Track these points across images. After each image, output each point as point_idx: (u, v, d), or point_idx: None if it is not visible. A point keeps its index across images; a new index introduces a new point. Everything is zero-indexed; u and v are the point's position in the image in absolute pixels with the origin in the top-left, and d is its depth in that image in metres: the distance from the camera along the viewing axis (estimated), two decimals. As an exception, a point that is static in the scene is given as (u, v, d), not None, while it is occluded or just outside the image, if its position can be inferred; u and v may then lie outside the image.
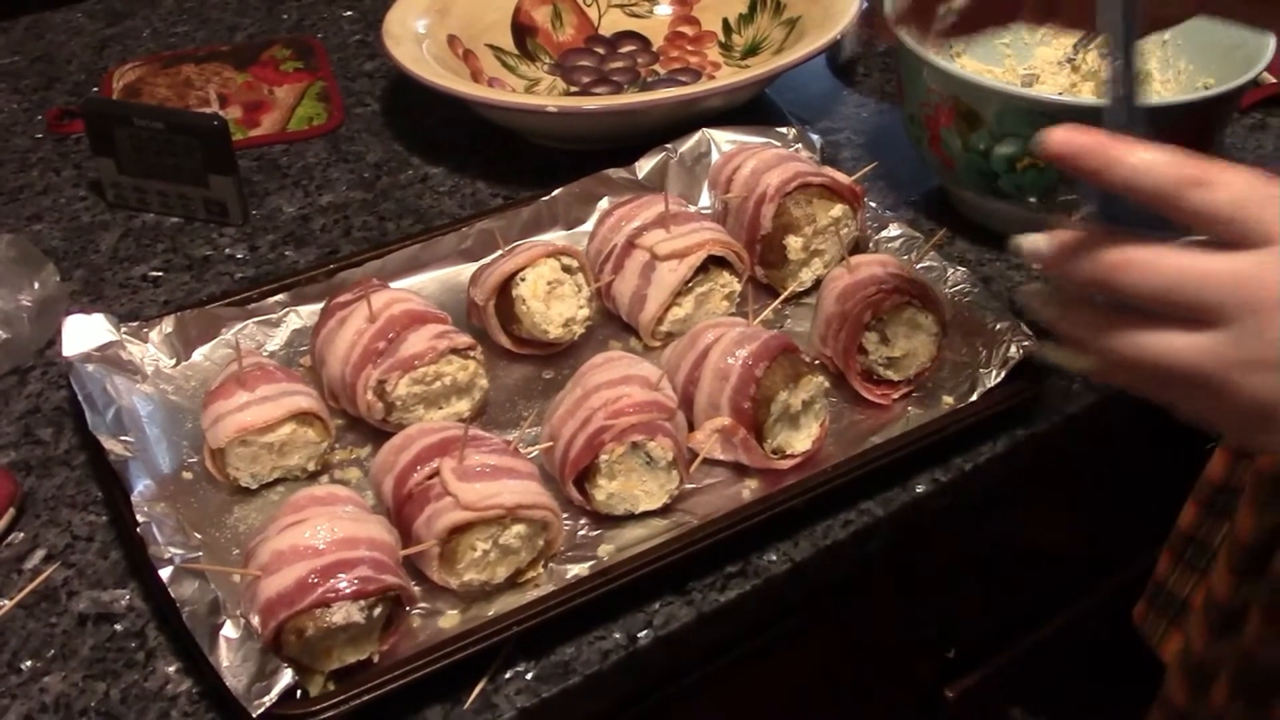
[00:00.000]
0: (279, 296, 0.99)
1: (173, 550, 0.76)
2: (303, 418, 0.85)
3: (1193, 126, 1.00)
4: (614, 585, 0.77)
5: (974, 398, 0.91)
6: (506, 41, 1.33)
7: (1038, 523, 1.14)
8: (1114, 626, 1.03)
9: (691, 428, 0.88)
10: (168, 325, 0.95)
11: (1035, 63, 1.20)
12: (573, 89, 1.31)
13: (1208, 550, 0.91)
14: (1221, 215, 0.52)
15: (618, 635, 0.78)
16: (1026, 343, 0.92)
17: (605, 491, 0.82)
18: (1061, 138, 0.55)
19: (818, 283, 1.01)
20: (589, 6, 1.39)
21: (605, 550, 0.82)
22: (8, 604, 0.79)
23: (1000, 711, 1.27)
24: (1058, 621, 1.26)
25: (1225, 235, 0.53)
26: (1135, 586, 1.00)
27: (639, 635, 0.78)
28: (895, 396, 0.93)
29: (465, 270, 1.02)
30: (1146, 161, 0.54)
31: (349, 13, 1.47)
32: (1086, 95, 1.16)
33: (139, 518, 0.78)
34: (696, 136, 1.12)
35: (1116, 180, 0.55)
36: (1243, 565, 0.80)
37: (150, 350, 0.94)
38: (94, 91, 1.33)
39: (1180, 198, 0.53)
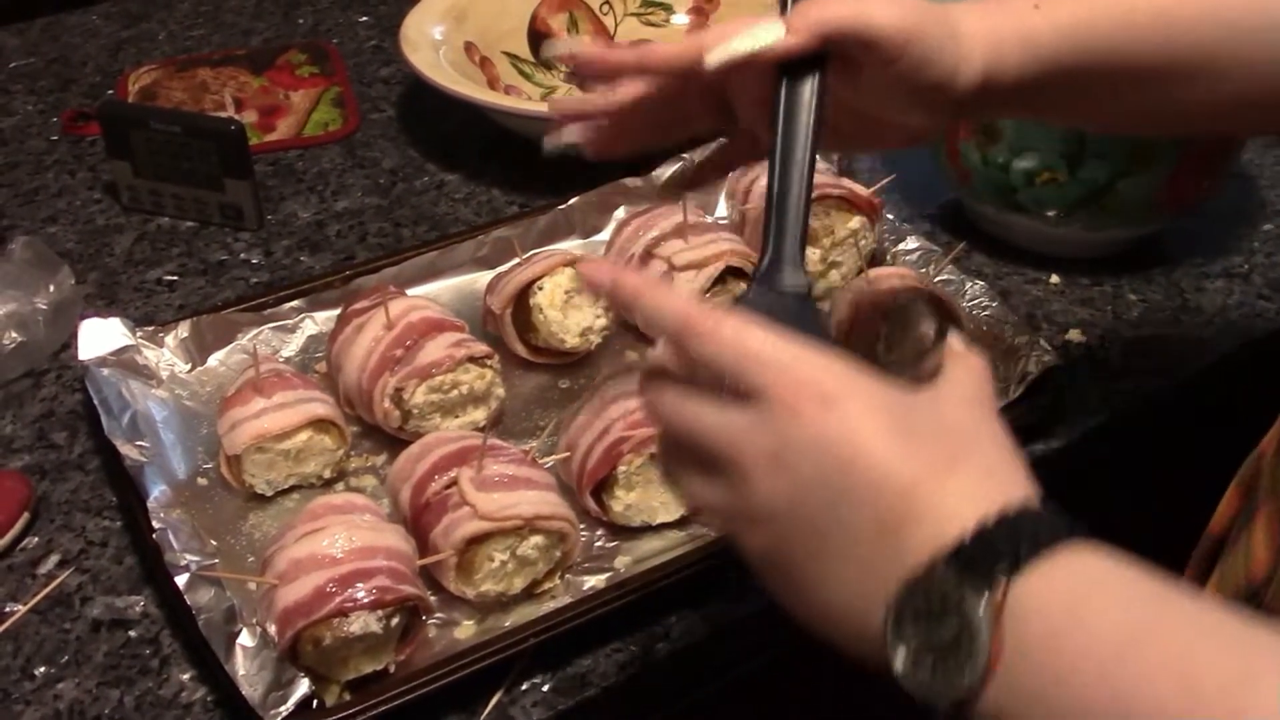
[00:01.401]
0: (295, 302, 0.99)
1: (188, 557, 0.76)
2: (319, 425, 0.85)
3: (1210, 142, 1.00)
4: (631, 598, 0.77)
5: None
6: (523, 49, 1.33)
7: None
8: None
9: (709, 439, 0.87)
10: (183, 330, 0.95)
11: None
12: (588, 97, 1.31)
13: None
14: (720, 367, 0.53)
15: (635, 648, 0.77)
16: (1046, 357, 0.91)
17: (623, 503, 0.82)
18: (595, 274, 0.57)
19: (835, 295, 1.01)
20: (605, 15, 1.39)
21: (622, 562, 0.81)
22: (21, 609, 0.78)
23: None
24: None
25: (730, 386, 0.53)
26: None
27: (656, 648, 0.78)
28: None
29: (481, 278, 1.02)
30: (658, 304, 0.55)
31: (365, 18, 1.47)
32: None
33: (154, 524, 0.78)
34: (714, 146, 1.11)
35: (639, 318, 0.57)
36: None
37: (166, 355, 0.94)
38: (109, 94, 1.33)
39: (684, 345, 0.54)
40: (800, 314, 0.59)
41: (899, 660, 0.48)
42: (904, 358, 0.59)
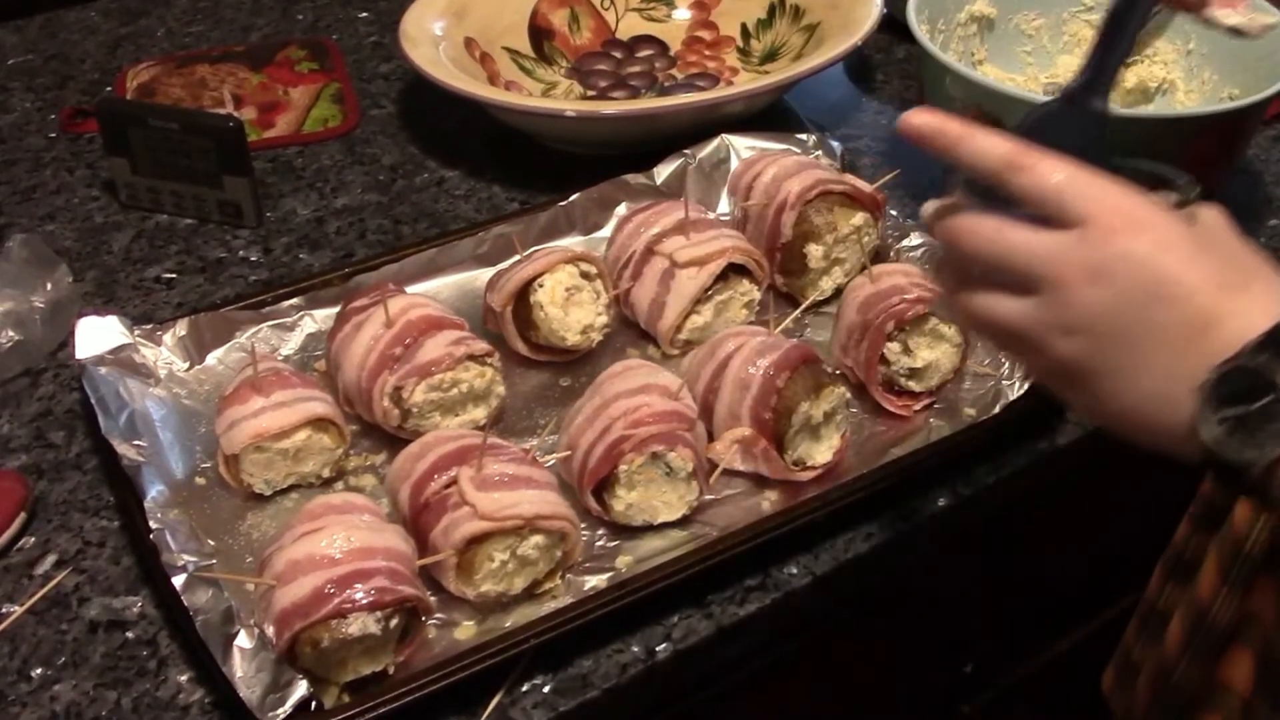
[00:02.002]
0: (294, 300, 0.98)
1: (186, 557, 0.75)
2: (318, 424, 0.85)
3: (1217, 137, 0.99)
4: (633, 598, 0.76)
5: (996, 410, 0.90)
6: (523, 44, 1.32)
7: (1058, 537, 1.13)
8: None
9: (711, 438, 0.87)
10: (181, 328, 0.94)
11: (1058, 71, 1.19)
12: (590, 93, 1.30)
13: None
14: (1038, 197, 0.60)
15: (636, 648, 0.77)
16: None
17: (624, 502, 0.81)
18: (917, 120, 0.64)
19: (838, 292, 1.00)
20: (606, 10, 1.38)
21: (623, 561, 0.81)
22: (18, 610, 0.78)
23: (1016, 726, 1.26)
24: (1075, 637, 1.25)
25: (1046, 214, 0.60)
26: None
27: (658, 648, 0.77)
28: (917, 408, 0.92)
29: (481, 275, 1.01)
30: (982, 146, 0.62)
31: (364, 14, 1.46)
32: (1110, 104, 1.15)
33: (152, 524, 0.77)
34: (715, 142, 1.11)
35: (960, 161, 0.63)
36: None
37: (164, 353, 0.93)
38: (108, 91, 1.32)
39: (1005, 179, 0.61)
40: (1098, 138, 0.67)
41: (1211, 435, 0.55)
42: None
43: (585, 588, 0.79)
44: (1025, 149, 0.61)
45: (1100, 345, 0.59)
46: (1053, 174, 0.60)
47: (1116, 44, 0.69)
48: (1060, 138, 0.62)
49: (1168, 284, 0.58)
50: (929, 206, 0.66)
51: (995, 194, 0.62)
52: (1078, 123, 0.68)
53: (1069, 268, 0.59)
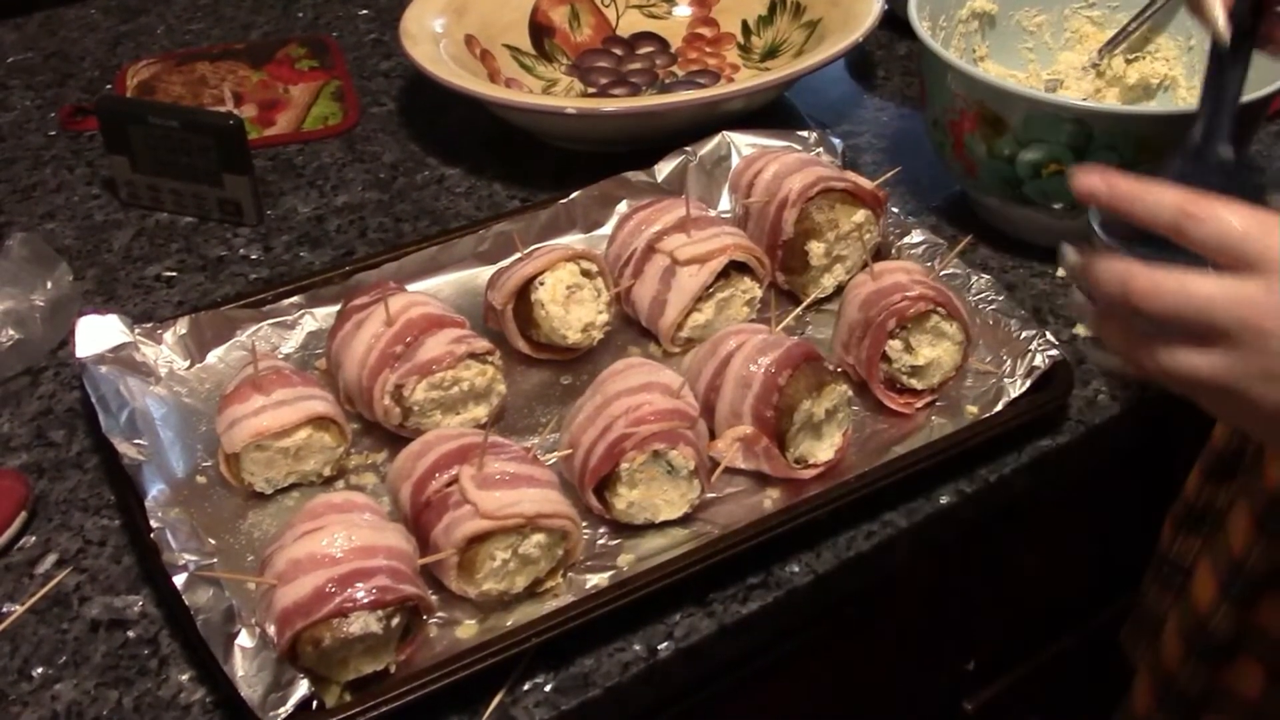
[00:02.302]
0: (294, 298, 0.98)
1: (187, 556, 0.75)
2: (319, 422, 0.84)
3: (1223, 215, 0.99)
4: (634, 596, 0.76)
5: (999, 408, 0.90)
6: (524, 42, 1.32)
7: (1060, 534, 1.13)
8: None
9: (712, 436, 0.86)
10: (182, 327, 0.94)
11: (1059, 67, 1.19)
12: (590, 90, 1.30)
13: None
14: (1219, 244, 0.59)
15: (638, 647, 0.77)
16: (1053, 352, 0.90)
17: (625, 500, 0.81)
18: (1089, 183, 0.64)
19: (839, 289, 1.00)
20: (607, 7, 1.38)
21: (625, 560, 0.81)
22: (19, 609, 0.78)
23: (1019, 724, 1.26)
24: (1077, 634, 1.24)
25: (1227, 263, 0.59)
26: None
27: (659, 647, 0.77)
28: (918, 405, 0.91)
29: (482, 273, 1.01)
30: (1156, 199, 0.62)
31: (365, 11, 1.46)
32: (1111, 101, 1.15)
33: (153, 523, 0.77)
34: (716, 139, 1.11)
35: (1134, 216, 0.63)
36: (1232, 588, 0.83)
37: (164, 352, 0.93)
38: (108, 89, 1.32)
39: (1183, 229, 0.60)
40: (1235, 184, 0.65)
41: None
42: None
43: (587, 586, 0.78)
44: (1197, 197, 0.60)
45: None
46: (1232, 219, 0.59)
47: (1225, 85, 0.68)
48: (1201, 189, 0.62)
49: None
50: (1071, 255, 0.66)
51: (1138, 235, 0.62)
52: (1211, 174, 0.67)
53: (1266, 315, 0.58)
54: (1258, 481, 0.82)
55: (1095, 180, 0.64)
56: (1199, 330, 0.60)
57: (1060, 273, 1.05)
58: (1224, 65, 0.70)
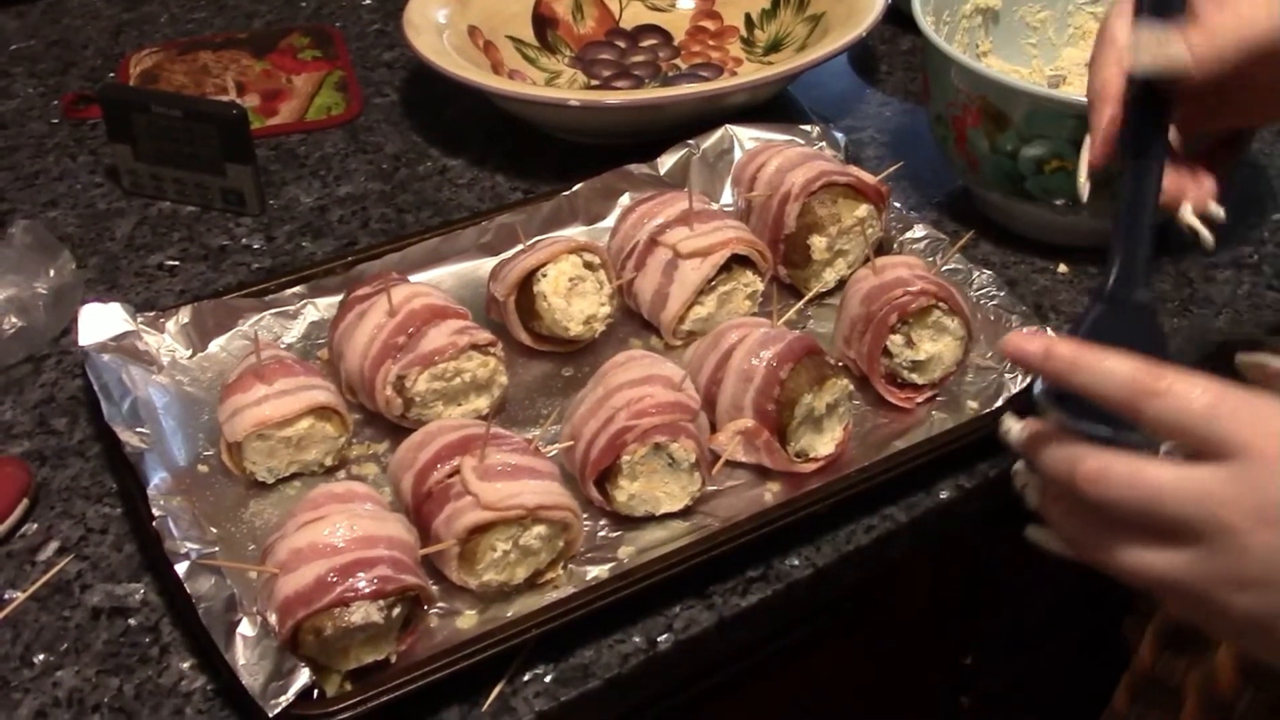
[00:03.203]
0: (297, 288, 0.98)
1: (189, 545, 0.75)
2: (321, 412, 0.85)
3: (1223, 133, 0.99)
4: (634, 588, 0.76)
5: (999, 403, 0.90)
6: (527, 33, 1.32)
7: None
8: (1131, 637, 1.02)
9: (713, 429, 0.87)
10: (184, 315, 0.94)
11: (1062, 63, 1.19)
12: (593, 82, 1.30)
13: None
14: (1181, 425, 0.52)
15: (638, 639, 0.77)
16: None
17: (626, 492, 0.81)
18: (1020, 346, 0.57)
19: (841, 283, 1.00)
20: (610, 0, 1.37)
21: (625, 552, 0.81)
22: (20, 596, 0.78)
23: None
24: (1075, 631, 1.25)
25: (1190, 446, 0.52)
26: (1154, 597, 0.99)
27: (659, 639, 0.77)
28: (919, 400, 0.92)
29: (484, 265, 1.01)
30: (1105, 369, 0.54)
31: (368, 1, 1.46)
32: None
33: (155, 511, 0.77)
34: (719, 133, 1.11)
35: (1079, 388, 0.55)
36: None
37: (167, 340, 0.93)
38: (110, 77, 1.32)
39: (1138, 407, 0.53)
40: (1154, 332, 0.63)
41: None
42: None
43: (587, 578, 0.79)
44: (1155, 369, 0.53)
45: None
46: (1195, 396, 0.52)
47: (1136, 233, 0.65)
48: (1120, 342, 0.56)
49: None
50: (1015, 428, 0.60)
51: (1088, 403, 0.55)
52: (1130, 323, 0.63)
53: (1233, 511, 0.51)
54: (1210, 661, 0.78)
55: (1030, 345, 0.57)
56: (1156, 525, 0.53)
57: (1062, 268, 1.05)
58: (1133, 208, 0.67)
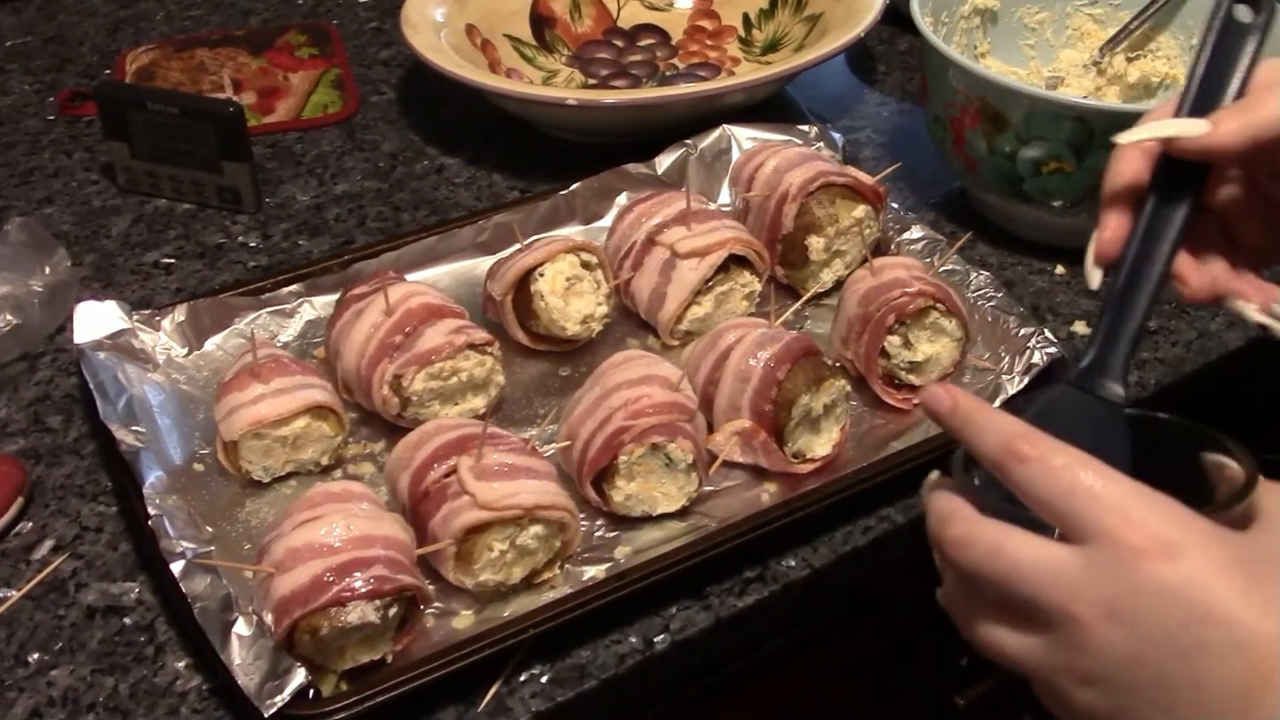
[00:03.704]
0: (293, 286, 0.98)
1: (184, 544, 0.75)
2: (317, 411, 0.84)
3: (1041, 473, 0.98)
4: (631, 588, 0.76)
5: (996, 404, 0.90)
6: (525, 32, 1.32)
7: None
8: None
9: (711, 429, 0.86)
10: (180, 314, 0.94)
11: (1060, 65, 1.19)
12: (591, 81, 1.30)
13: None
14: (1041, 498, 0.50)
15: (634, 639, 0.77)
16: (1051, 349, 0.91)
17: (623, 493, 0.81)
18: (938, 399, 0.55)
19: (838, 284, 1.00)
20: (608, -2, 1.38)
21: (622, 552, 0.81)
22: (15, 595, 0.78)
23: None
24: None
25: (1052, 521, 0.50)
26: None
27: (656, 639, 0.77)
28: (916, 401, 0.91)
29: (481, 264, 1.01)
30: (985, 425, 0.52)
31: (365, -1, 1.46)
32: (1112, 99, 1.15)
33: (150, 510, 0.77)
34: (717, 133, 1.11)
35: (964, 442, 0.54)
36: None
37: (162, 339, 0.93)
38: (106, 74, 1.32)
39: (1006, 470, 0.51)
40: (1114, 431, 0.57)
41: None
42: (1212, 498, 0.54)
43: (584, 578, 0.79)
44: (1031, 434, 0.51)
45: (1124, 699, 0.48)
46: (1059, 470, 0.49)
47: (1123, 320, 0.59)
48: (1072, 429, 0.52)
49: (1211, 626, 0.46)
50: (930, 480, 0.57)
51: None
52: (1091, 413, 0.58)
53: (1081, 601, 0.48)
54: None
55: (942, 396, 0.55)
56: (1011, 603, 0.51)
57: (1059, 270, 1.05)
58: (1124, 293, 0.60)
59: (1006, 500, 0.52)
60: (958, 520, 0.53)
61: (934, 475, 0.57)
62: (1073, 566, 0.48)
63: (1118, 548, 0.47)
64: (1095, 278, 0.62)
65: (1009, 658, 0.52)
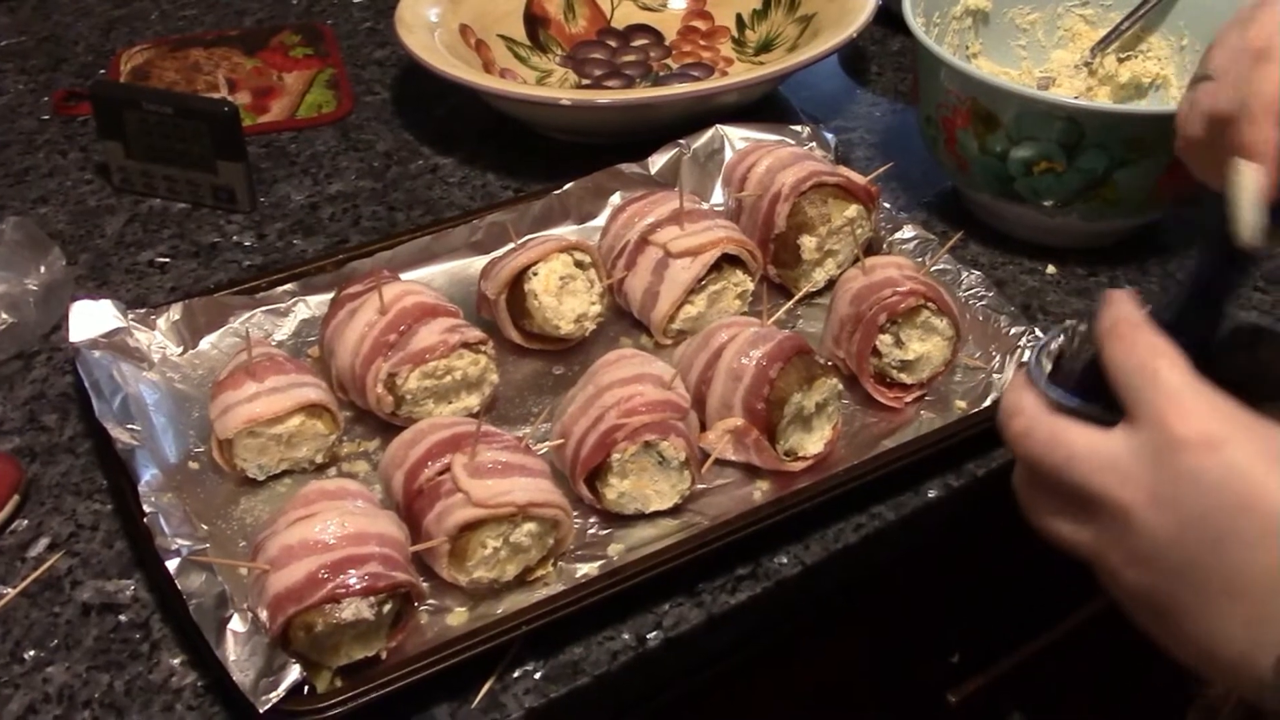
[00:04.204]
0: (287, 285, 0.98)
1: (179, 541, 0.76)
2: (312, 410, 0.85)
3: (1107, 329, 0.99)
4: (624, 586, 0.77)
5: (987, 403, 0.91)
6: (519, 32, 1.32)
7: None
8: (1117, 634, 1.03)
9: (703, 428, 0.87)
10: (175, 312, 0.94)
11: (1052, 65, 1.19)
12: (584, 81, 1.30)
13: None
14: (1118, 374, 0.53)
15: (627, 636, 0.77)
16: (1041, 348, 0.91)
17: (616, 490, 0.82)
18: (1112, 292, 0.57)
19: (831, 283, 1.00)
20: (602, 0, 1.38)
21: (615, 549, 0.81)
22: (11, 592, 0.78)
23: (1002, 717, 1.26)
24: (1061, 628, 1.25)
25: (1120, 396, 0.53)
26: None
27: (648, 636, 0.77)
28: (908, 400, 0.92)
29: (475, 263, 1.01)
30: (1111, 302, 0.56)
31: (359, -1, 1.46)
32: (1103, 99, 1.16)
33: (145, 507, 0.78)
34: (710, 133, 1.11)
35: (1097, 315, 0.56)
36: None
37: (157, 337, 0.93)
38: (101, 74, 1.32)
39: (1104, 342, 0.54)
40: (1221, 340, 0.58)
41: None
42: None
43: (577, 575, 0.79)
44: (1138, 319, 0.54)
45: (1168, 581, 0.51)
46: (1140, 350, 0.52)
47: (1203, 314, 0.58)
48: (1188, 333, 0.54)
49: (1251, 513, 0.48)
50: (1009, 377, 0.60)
51: (1092, 394, 0.55)
52: (1206, 322, 0.58)
53: (1128, 487, 0.51)
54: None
55: (1116, 292, 0.57)
56: (1067, 491, 0.54)
57: (1050, 269, 1.05)
58: (1207, 288, 0.59)
59: (1072, 395, 0.56)
60: (1023, 413, 0.56)
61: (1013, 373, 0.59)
62: (1123, 455, 0.52)
63: (1165, 436, 0.50)
64: (1258, 232, 0.58)
65: (1065, 542, 0.56)
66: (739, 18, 1.35)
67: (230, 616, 0.71)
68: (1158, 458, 0.51)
